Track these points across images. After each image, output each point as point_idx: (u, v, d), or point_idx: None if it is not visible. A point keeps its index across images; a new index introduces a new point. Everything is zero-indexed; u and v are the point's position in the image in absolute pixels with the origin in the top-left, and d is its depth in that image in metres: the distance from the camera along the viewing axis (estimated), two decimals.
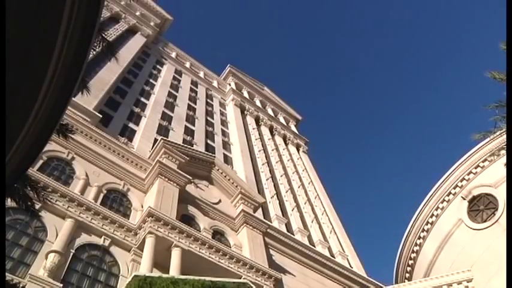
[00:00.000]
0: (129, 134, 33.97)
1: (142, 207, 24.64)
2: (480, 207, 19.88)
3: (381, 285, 32.37)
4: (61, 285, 17.18)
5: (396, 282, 23.46)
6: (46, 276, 16.88)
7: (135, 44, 52.71)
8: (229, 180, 31.84)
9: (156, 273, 17.72)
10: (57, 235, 19.10)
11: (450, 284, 16.93)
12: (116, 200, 24.32)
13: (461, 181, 20.72)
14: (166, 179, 26.08)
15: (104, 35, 12.52)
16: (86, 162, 24.77)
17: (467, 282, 16.84)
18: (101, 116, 30.35)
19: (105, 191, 24.04)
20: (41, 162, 22.25)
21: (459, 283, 16.97)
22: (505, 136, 12.85)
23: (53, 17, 2.88)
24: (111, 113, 34.92)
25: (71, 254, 19.13)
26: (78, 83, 3.35)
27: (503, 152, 13.54)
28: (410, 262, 22.97)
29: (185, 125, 43.00)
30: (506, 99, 12.09)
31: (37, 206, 15.33)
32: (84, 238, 20.32)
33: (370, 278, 35.61)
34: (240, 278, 20.77)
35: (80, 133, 25.54)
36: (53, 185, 20.49)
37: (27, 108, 3.18)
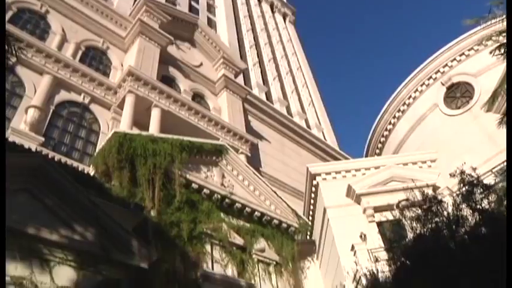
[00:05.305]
0: None
1: (122, 66, 24.19)
2: (457, 94, 20.25)
3: (349, 158, 34.30)
4: (43, 138, 17.52)
5: (366, 157, 24.78)
6: (28, 130, 17.11)
7: None
8: (212, 43, 31.16)
9: (136, 131, 17.88)
10: (35, 91, 18.90)
11: (415, 162, 17.84)
12: (95, 58, 23.70)
13: (443, 67, 20.72)
14: (147, 38, 25.28)
15: None
16: (61, 17, 23.44)
17: (431, 162, 17.78)
18: None
19: (83, 48, 23.26)
20: (11, 13, 20.91)
21: (423, 162, 17.90)
22: (497, 26, 12.52)
23: None
24: None
25: (51, 110, 19.18)
26: None
27: (491, 42, 13.35)
28: (382, 139, 23.97)
29: None
30: None
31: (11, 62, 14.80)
32: (63, 95, 20.20)
33: (341, 152, 37.61)
34: (218, 141, 21.47)
35: None
36: (27, 38, 19.60)
37: None
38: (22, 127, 17.21)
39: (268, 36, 49.20)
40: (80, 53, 22.80)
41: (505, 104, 15.30)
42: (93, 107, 21.12)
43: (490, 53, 12.87)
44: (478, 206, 8.88)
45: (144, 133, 15.30)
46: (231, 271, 13.88)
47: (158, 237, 12.00)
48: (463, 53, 20.48)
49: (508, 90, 12.05)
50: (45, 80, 19.48)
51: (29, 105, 17.98)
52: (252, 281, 14.21)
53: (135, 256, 9.32)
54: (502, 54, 12.33)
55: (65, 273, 8.31)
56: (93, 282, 8.56)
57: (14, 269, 7.61)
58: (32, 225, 8.18)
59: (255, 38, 45.86)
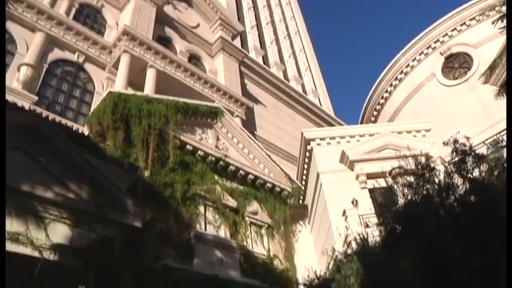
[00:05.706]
0: None
1: (117, 25, 23.69)
2: (455, 65, 20.07)
3: (344, 124, 34.39)
4: (36, 97, 17.32)
5: (361, 124, 24.84)
6: (20, 89, 16.87)
7: None
8: (209, 4, 30.55)
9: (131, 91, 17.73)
10: (27, 48, 18.52)
11: (410, 131, 17.93)
12: (89, 16, 23.14)
13: (443, 36, 20.44)
14: None
15: None
16: None
17: (426, 131, 17.87)
18: None
19: (77, 6, 22.64)
20: None
21: (418, 131, 17.98)
22: None
23: None
24: None
25: (44, 68, 18.86)
26: None
27: (494, 12, 13.11)
28: (378, 107, 23.95)
29: None
30: None
31: None
32: (57, 53, 19.84)
33: (337, 118, 37.65)
34: (213, 103, 21.34)
35: None
36: None
37: None
38: (15, 85, 16.94)
39: None
40: (73, 10, 22.22)
41: (503, 76, 15.26)
42: (88, 67, 20.82)
43: (492, 23, 12.68)
44: (469, 175, 8.97)
45: (139, 93, 15.16)
46: (223, 232, 14.11)
47: (152, 198, 12.11)
48: (464, 23, 20.14)
49: (508, 62, 11.94)
50: (37, 38, 19.05)
51: (21, 63, 17.61)
52: (244, 243, 14.47)
53: (129, 215, 9.42)
54: (503, 27, 12.14)
55: (60, 231, 8.42)
56: (88, 239, 8.69)
57: (10, 225, 7.71)
58: (26, 182, 8.21)
59: (253, 0, 44.93)
